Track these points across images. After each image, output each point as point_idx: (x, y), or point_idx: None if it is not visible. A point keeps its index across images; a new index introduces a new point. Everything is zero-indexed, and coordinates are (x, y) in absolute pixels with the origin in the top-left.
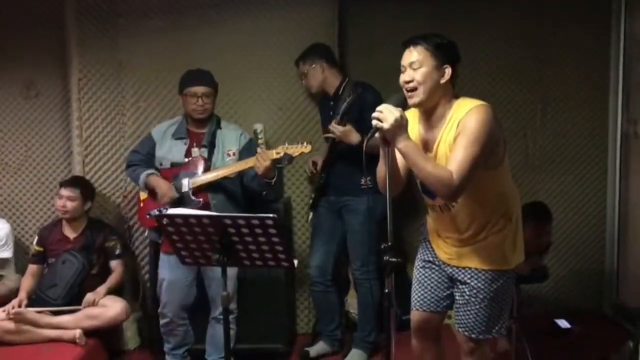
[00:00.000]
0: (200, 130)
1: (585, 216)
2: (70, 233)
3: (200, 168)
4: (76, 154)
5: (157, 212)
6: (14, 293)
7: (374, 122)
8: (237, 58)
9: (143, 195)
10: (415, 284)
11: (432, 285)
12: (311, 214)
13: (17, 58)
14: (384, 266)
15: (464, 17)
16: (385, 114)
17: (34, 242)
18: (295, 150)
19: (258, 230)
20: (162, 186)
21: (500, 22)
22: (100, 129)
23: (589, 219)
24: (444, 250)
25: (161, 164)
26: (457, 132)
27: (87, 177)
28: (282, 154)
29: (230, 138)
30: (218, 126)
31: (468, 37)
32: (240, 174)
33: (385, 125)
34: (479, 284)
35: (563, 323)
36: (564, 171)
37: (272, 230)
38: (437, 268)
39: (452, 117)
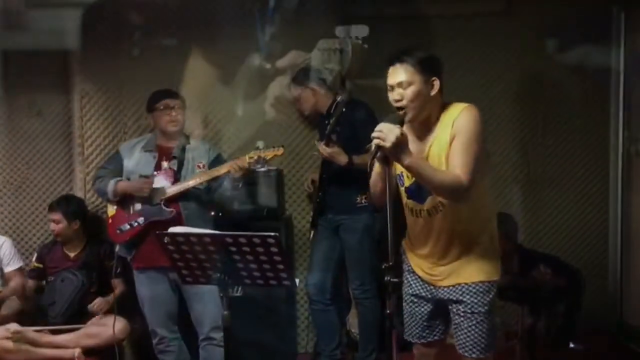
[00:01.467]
0: (170, 144)
1: (588, 234)
2: (70, 251)
3: (170, 180)
4: (77, 172)
5: (128, 227)
6: (17, 315)
7: (376, 141)
8: (240, 77)
9: (111, 211)
10: (407, 318)
11: (424, 317)
12: (312, 232)
13: (19, 76)
14: (384, 286)
15: (466, 35)
16: (386, 133)
17: (34, 259)
18: (268, 153)
19: (259, 249)
20: (134, 183)
21: (501, 39)
22: (102, 146)
23: (591, 237)
24: (429, 273)
25: (129, 179)
26: (453, 131)
27: (88, 196)
28: (255, 158)
29: (199, 152)
30: (187, 141)
31: (469, 54)
32: (208, 186)
33: (387, 144)
34: (473, 299)
35: None
36: (566, 189)
37: (274, 249)
38: (425, 300)
39: (444, 119)
